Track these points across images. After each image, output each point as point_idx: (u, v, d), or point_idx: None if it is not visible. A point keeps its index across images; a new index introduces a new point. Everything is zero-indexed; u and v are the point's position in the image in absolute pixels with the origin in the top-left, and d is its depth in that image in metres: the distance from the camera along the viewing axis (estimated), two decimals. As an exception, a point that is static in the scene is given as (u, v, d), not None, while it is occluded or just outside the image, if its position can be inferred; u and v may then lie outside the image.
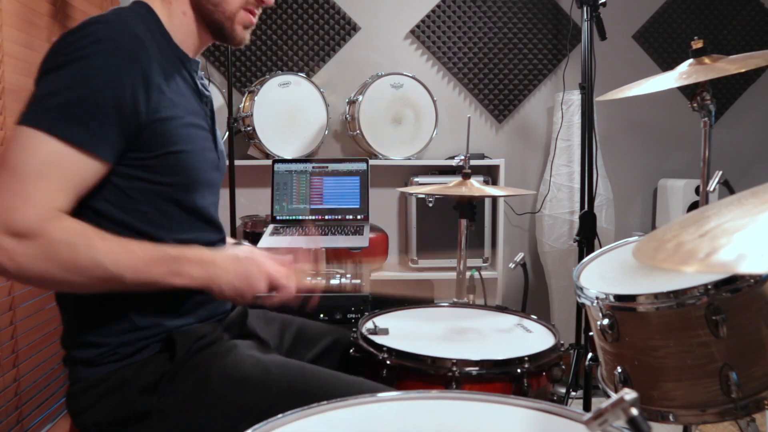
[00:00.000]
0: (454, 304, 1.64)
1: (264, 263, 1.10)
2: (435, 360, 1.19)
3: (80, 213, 1.02)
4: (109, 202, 1.04)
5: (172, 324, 1.11)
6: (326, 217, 2.53)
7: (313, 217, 2.50)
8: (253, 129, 2.60)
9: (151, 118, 1.03)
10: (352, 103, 2.75)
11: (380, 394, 0.92)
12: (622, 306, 1.15)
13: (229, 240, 1.30)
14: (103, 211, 1.04)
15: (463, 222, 1.73)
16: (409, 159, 2.74)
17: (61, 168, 0.95)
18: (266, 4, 1.18)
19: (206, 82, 1.26)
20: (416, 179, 2.75)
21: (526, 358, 1.20)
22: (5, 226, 0.91)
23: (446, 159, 2.89)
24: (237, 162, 2.62)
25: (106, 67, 0.98)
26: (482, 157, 2.85)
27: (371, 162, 2.58)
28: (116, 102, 0.98)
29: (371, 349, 1.26)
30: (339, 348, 1.39)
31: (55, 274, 0.94)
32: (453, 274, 1.72)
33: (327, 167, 2.55)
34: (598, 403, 0.64)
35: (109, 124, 0.98)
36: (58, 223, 0.94)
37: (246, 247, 1.22)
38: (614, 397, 0.57)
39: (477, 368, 1.18)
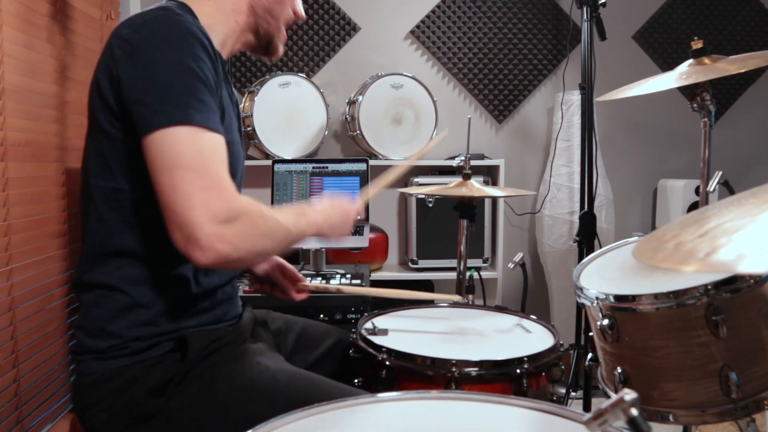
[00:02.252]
0: (453, 305, 1.64)
1: (347, 206, 1.22)
2: (434, 360, 1.19)
3: (126, 196, 1.06)
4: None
5: (187, 323, 1.12)
6: (326, 218, 2.52)
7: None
8: (253, 129, 2.60)
9: (218, 104, 1.08)
10: (352, 103, 2.75)
11: (380, 395, 0.92)
12: (622, 306, 1.15)
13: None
14: (145, 193, 1.05)
15: (463, 222, 1.73)
16: (409, 159, 2.74)
17: (218, 152, 1.01)
18: (300, 19, 1.29)
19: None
20: (416, 179, 2.75)
21: (526, 359, 1.20)
22: (214, 217, 0.95)
23: (446, 159, 2.89)
24: (237, 162, 2.61)
25: (192, 52, 1.02)
26: (482, 157, 2.85)
27: (371, 162, 2.58)
28: (209, 84, 1.03)
29: (370, 350, 1.26)
30: (340, 350, 1.39)
31: (260, 244, 1.02)
32: (453, 275, 1.72)
33: (327, 167, 2.55)
34: (598, 403, 0.64)
35: (214, 103, 1.04)
36: (243, 199, 1.00)
37: (329, 199, 1.26)
38: (614, 397, 0.57)
39: (476, 369, 1.18)
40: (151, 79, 0.99)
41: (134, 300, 1.08)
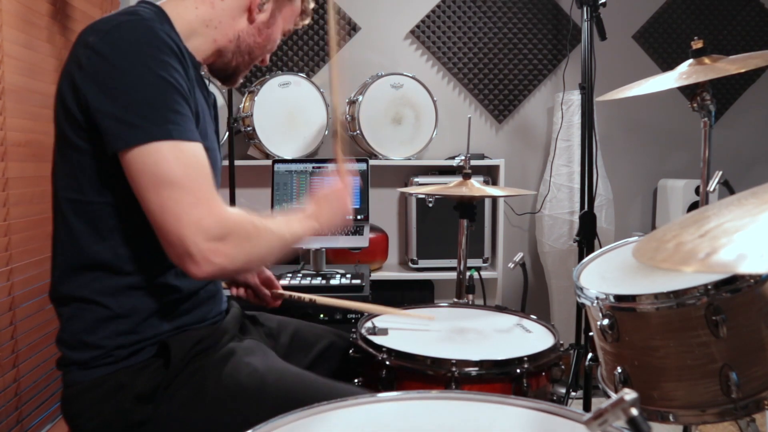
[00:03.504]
0: (453, 304, 1.64)
1: (337, 192, 1.22)
2: (434, 360, 1.19)
3: (96, 208, 1.04)
4: (125, 193, 1.03)
5: (168, 327, 1.10)
6: (326, 217, 2.52)
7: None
8: (253, 129, 2.60)
9: (193, 110, 1.06)
10: (352, 103, 2.75)
11: (380, 395, 0.92)
12: (622, 306, 1.15)
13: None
14: (116, 203, 1.05)
15: (464, 222, 1.73)
16: (409, 159, 2.74)
17: (202, 165, 1.00)
18: (264, 65, 1.31)
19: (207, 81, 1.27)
20: (416, 179, 2.75)
21: (526, 359, 1.20)
22: (207, 234, 0.95)
23: (446, 159, 2.89)
24: (237, 162, 2.61)
25: (163, 61, 1.00)
26: (482, 157, 2.85)
27: (371, 162, 2.58)
28: (184, 93, 1.02)
29: (370, 350, 1.26)
30: (335, 351, 1.38)
31: (254, 254, 1.03)
32: (453, 274, 1.72)
33: (327, 167, 2.54)
34: (598, 403, 0.64)
35: (189, 110, 1.03)
36: (233, 212, 1.00)
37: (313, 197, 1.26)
38: (614, 397, 0.57)
39: (476, 368, 1.18)
40: (124, 92, 0.97)
41: (113, 311, 1.06)
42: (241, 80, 1.29)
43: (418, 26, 2.99)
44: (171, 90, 0.99)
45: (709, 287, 1.06)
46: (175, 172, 0.95)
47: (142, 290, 1.08)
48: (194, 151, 1.00)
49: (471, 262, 2.29)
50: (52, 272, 1.11)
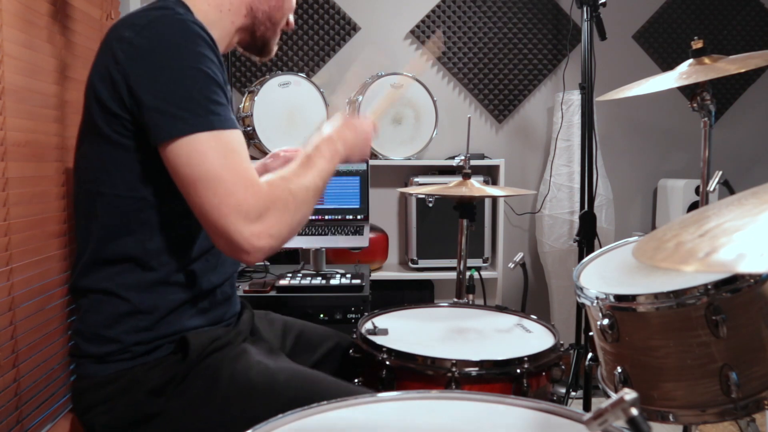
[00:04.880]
0: (453, 304, 1.63)
1: (364, 125, 1.23)
2: (434, 360, 1.19)
3: (127, 202, 1.06)
4: (158, 187, 1.06)
5: (186, 325, 1.11)
6: (326, 217, 2.52)
7: (314, 217, 2.50)
8: (253, 129, 2.60)
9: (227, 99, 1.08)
10: (352, 103, 2.75)
11: (380, 395, 0.92)
12: (622, 306, 1.15)
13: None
14: (148, 197, 1.06)
15: (464, 222, 1.73)
16: (409, 159, 2.74)
17: (240, 150, 1.01)
18: (290, 28, 1.31)
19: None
20: (416, 179, 2.75)
21: (526, 359, 1.20)
22: (246, 217, 0.97)
23: (446, 159, 2.89)
24: (237, 162, 2.61)
25: (200, 53, 1.01)
26: (482, 157, 2.85)
27: (371, 162, 2.58)
28: (220, 83, 1.04)
29: (370, 350, 1.26)
30: (339, 352, 1.39)
31: (296, 220, 1.05)
32: (453, 274, 1.72)
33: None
34: (598, 403, 0.64)
35: (226, 99, 1.05)
36: (269, 187, 1.01)
37: (337, 119, 1.25)
38: (614, 397, 0.57)
39: (476, 368, 1.18)
40: (165, 85, 0.98)
41: (134, 306, 1.07)
42: (275, 49, 1.30)
43: (418, 26, 2.99)
44: (209, 81, 1.01)
45: (709, 287, 1.06)
46: (213, 162, 0.97)
47: (165, 287, 1.09)
48: (234, 138, 1.01)
49: (471, 262, 2.29)
50: (75, 263, 1.12)
